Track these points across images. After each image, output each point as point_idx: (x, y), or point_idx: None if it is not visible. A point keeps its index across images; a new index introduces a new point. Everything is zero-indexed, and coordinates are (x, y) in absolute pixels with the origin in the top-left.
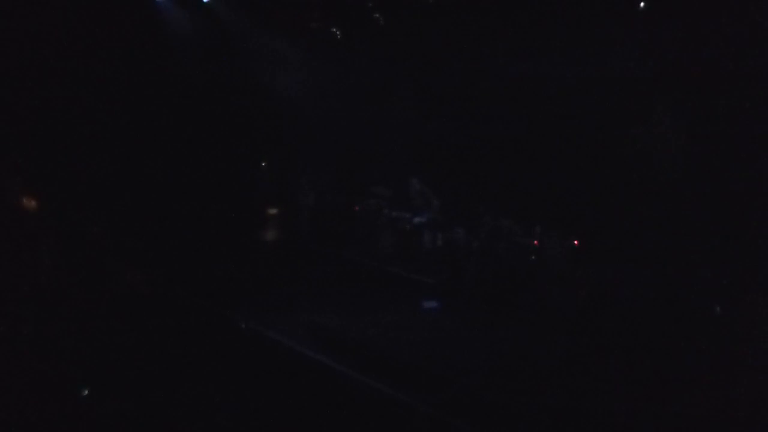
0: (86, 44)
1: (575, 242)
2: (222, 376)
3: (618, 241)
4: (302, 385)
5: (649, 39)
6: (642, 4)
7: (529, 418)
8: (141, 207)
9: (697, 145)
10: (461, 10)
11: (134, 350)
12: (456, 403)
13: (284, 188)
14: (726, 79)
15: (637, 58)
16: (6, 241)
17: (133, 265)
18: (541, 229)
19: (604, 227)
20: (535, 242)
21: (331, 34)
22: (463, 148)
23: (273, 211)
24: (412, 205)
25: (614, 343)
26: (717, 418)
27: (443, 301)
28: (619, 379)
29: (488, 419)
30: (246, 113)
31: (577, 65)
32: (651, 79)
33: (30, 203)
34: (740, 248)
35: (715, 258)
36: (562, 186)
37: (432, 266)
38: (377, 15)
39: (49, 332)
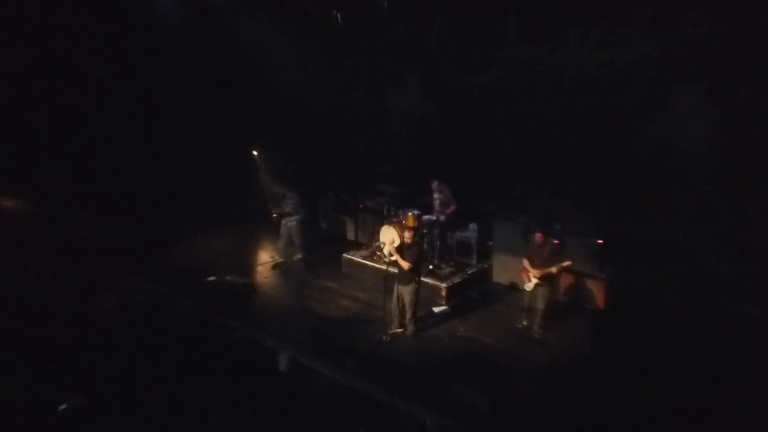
0: (78, 41)
1: (599, 241)
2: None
3: (644, 239)
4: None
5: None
6: None
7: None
8: (136, 207)
9: (727, 136)
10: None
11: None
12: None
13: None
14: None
15: (662, 42)
16: None
17: (128, 271)
18: (561, 227)
19: (630, 225)
20: (555, 241)
21: (331, 17)
22: (476, 141)
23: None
24: (422, 203)
25: (640, 344)
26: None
27: (454, 303)
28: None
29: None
30: (242, 105)
31: (597, 51)
32: (676, 64)
33: (13, 206)
34: None
35: (748, 255)
36: (585, 182)
37: (442, 265)
38: None
39: (35, 345)
